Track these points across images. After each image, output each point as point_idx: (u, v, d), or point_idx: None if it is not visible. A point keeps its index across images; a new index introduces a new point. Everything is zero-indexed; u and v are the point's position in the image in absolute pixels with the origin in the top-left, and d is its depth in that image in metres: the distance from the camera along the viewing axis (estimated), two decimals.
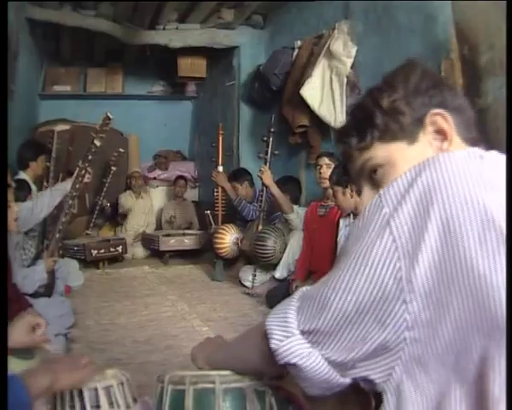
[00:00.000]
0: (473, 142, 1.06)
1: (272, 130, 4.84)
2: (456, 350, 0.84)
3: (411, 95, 1.05)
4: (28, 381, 1.19)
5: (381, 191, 0.95)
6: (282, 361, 1.02)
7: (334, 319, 0.94)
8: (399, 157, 1.05)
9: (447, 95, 1.06)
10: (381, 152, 1.06)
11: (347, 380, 0.99)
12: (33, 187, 4.44)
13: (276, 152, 4.91)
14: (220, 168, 5.49)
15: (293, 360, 1.00)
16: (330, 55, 4.52)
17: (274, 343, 1.03)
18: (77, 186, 3.82)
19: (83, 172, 3.79)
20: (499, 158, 0.96)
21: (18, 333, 1.64)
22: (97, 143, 3.78)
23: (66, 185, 3.91)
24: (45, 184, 4.80)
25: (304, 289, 1.07)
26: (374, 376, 0.94)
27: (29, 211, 3.78)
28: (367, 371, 0.94)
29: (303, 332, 1.00)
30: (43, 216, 3.92)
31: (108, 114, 3.83)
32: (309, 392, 1.06)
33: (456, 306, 0.83)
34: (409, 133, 1.04)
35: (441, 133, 1.04)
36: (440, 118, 1.03)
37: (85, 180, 3.90)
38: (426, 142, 1.04)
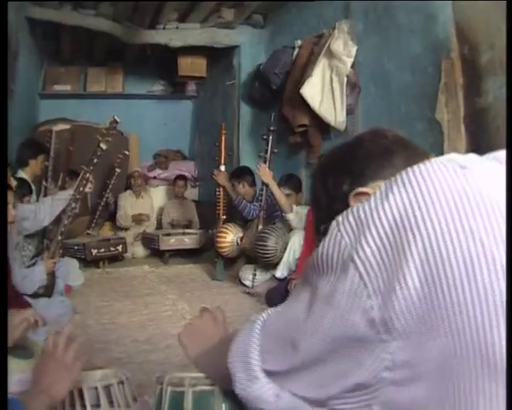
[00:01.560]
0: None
1: (272, 128, 4.85)
2: (438, 397, 0.75)
3: (357, 181, 1.01)
4: (28, 403, 1.19)
5: (339, 218, 0.85)
6: (251, 407, 0.97)
7: (302, 361, 0.87)
8: None
9: (388, 163, 1.01)
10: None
11: None
12: (33, 187, 4.44)
13: (276, 150, 4.92)
14: (222, 168, 5.49)
15: (261, 406, 0.95)
16: (330, 55, 4.51)
17: (239, 389, 0.97)
18: (81, 189, 3.83)
19: (87, 175, 3.79)
20: (480, 164, 0.86)
21: (15, 328, 1.64)
22: (103, 146, 3.79)
23: (66, 194, 3.92)
24: (44, 183, 4.80)
25: (263, 318, 1.01)
26: None
27: (31, 213, 3.79)
28: (343, 405, 0.86)
29: (268, 372, 0.94)
30: (45, 224, 3.93)
31: (116, 118, 3.84)
32: None
33: (440, 352, 0.73)
34: None
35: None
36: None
37: (86, 190, 3.91)
38: None
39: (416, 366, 0.76)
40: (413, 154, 1.02)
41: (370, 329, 0.77)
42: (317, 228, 1.08)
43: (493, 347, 0.70)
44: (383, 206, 0.79)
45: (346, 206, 0.95)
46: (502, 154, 0.89)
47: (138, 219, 6.98)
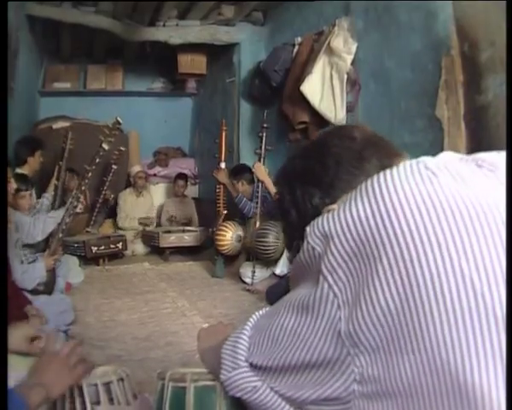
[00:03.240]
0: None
1: (265, 126, 4.95)
2: None
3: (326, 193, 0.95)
4: (24, 393, 1.20)
5: (307, 229, 0.84)
6: (230, 393, 0.99)
7: (282, 362, 0.88)
8: None
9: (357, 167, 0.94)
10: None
11: None
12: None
13: (269, 148, 4.99)
14: (223, 165, 5.50)
15: (238, 394, 0.97)
16: (331, 52, 4.51)
17: (222, 374, 0.99)
18: (82, 188, 3.84)
19: (89, 174, 3.80)
20: (453, 168, 0.81)
21: (16, 341, 1.64)
22: (106, 146, 3.80)
23: (59, 213, 3.96)
24: (55, 182, 4.80)
25: (259, 314, 1.04)
26: None
27: (26, 225, 3.82)
28: None
29: (252, 365, 0.95)
30: (38, 240, 3.96)
31: (118, 119, 3.84)
32: None
33: (408, 369, 0.71)
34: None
35: None
36: None
37: (77, 211, 3.97)
38: None
39: (385, 381, 0.74)
40: (385, 154, 0.96)
41: (337, 341, 0.78)
42: (290, 245, 1.03)
43: (463, 367, 0.67)
44: (350, 214, 0.77)
45: None
46: (483, 156, 0.86)
47: (144, 223, 6.99)
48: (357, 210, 0.77)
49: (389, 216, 0.74)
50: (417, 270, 0.70)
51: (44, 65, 7.53)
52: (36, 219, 3.93)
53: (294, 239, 0.98)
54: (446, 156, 0.87)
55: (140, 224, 6.92)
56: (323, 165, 0.96)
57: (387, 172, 0.80)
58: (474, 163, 0.85)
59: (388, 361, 0.73)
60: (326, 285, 0.78)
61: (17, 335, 1.66)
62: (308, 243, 0.83)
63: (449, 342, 0.68)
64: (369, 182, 0.80)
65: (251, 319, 1.03)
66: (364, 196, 0.78)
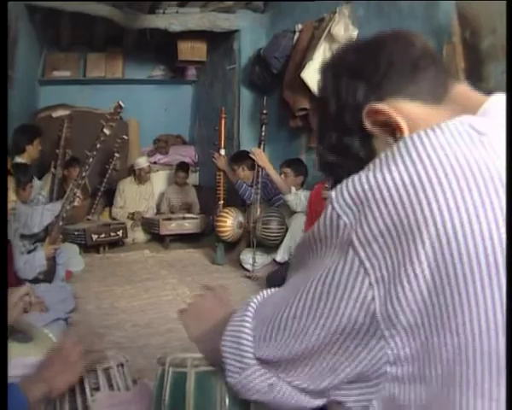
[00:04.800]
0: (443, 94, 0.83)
1: (265, 112, 4.96)
2: (441, 401, 0.68)
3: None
4: (26, 388, 1.21)
5: (332, 194, 0.73)
6: (243, 397, 0.92)
7: (296, 352, 0.80)
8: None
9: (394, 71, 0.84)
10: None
11: (320, 402, 0.87)
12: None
13: (263, 133, 5.01)
14: (222, 152, 5.49)
15: (254, 397, 0.89)
16: (331, 39, 4.49)
17: (230, 377, 0.91)
18: (83, 175, 3.83)
19: (90, 160, 3.78)
20: (499, 129, 0.71)
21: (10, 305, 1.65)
22: (107, 131, 3.77)
23: (57, 206, 3.94)
24: (53, 170, 4.79)
25: (257, 301, 0.96)
26: (349, 404, 0.80)
27: (24, 217, 3.81)
28: (341, 397, 0.81)
29: (261, 360, 0.87)
30: (35, 232, 3.95)
31: (120, 103, 3.81)
32: None
33: (450, 349, 0.66)
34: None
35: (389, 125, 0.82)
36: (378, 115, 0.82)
37: (75, 204, 3.95)
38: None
39: (424, 363, 0.68)
40: (441, 71, 0.86)
41: (370, 322, 0.70)
42: (321, 138, 0.93)
43: (501, 351, 0.63)
44: (385, 179, 0.67)
45: (357, 120, 0.84)
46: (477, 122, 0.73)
47: (132, 218, 6.86)
48: (400, 173, 0.67)
49: (437, 177, 0.65)
50: (469, 241, 0.63)
51: (44, 53, 7.49)
52: (34, 211, 3.92)
53: (327, 132, 0.90)
54: (487, 116, 0.75)
55: (128, 218, 6.84)
56: (375, 62, 0.86)
57: (429, 130, 0.70)
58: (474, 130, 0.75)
59: (428, 340, 0.67)
60: (357, 261, 0.69)
61: (12, 299, 1.67)
62: (333, 209, 0.72)
63: (492, 323, 0.63)
64: (407, 139, 0.70)
65: (250, 308, 0.93)
66: (405, 154, 0.68)
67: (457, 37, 3.33)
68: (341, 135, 0.87)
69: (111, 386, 1.40)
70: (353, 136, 0.85)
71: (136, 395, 1.39)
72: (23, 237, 3.87)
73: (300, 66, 4.71)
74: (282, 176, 4.83)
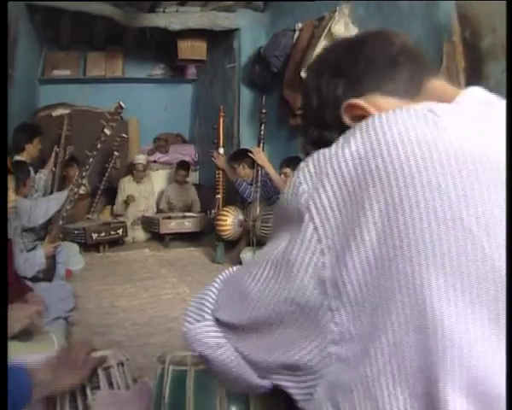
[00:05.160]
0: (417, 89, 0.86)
1: (264, 111, 4.98)
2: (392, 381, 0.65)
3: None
4: (31, 370, 1.21)
5: (301, 164, 0.77)
6: (190, 348, 0.92)
7: (249, 321, 0.81)
8: None
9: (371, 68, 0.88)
10: None
11: (267, 383, 0.84)
12: (32, 172, 4.43)
13: (262, 132, 5.02)
14: (221, 150, 5.49)
15: (198, 349, 0.90)
16: (331, 38, 4.49)
17: (184, 326, 0.92)
18: (83, 174, 3.82)
19: (90, 160, 3.78)
20: (462, 113, 0.74)
21: (18, 321, 1.65)
22: (107, 131, 3.76)
23: (63, 195, 3.93)
24: (53, 168, 4.79)
25: (234, 268, 0.97)
26: (292, 391, 0.78)
27: (27, 210, 3.80)
28: (286, 382, 0.79)
29: (218, 320, 0.88)
30: (40, 223, 3.93)
31: (121, 103, 3.80)
32: (228, 388, 0.94)
33: (396, 325, 0.64)
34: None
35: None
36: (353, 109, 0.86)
37: (81, 192, 3.93)
38: None
39: (367, 342, 0.67)
40: (419, 67, 0.89)
41: (320, 291, 0.69)
42: (304, 132, 0.97)
43: (449, 326, 0.62)
44: (343, 151, 0.70)
45: (337, 115, 0.87)
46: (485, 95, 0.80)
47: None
48: (356, 144, 0.70)
49: (388, 150, 0.67)
50: (415, 216, 0.64)
51: (44, 52, 7.48)
52: (38, 202, 3.91)
53: (309, 127, 0.95)
54: (451, 104, 0.78)
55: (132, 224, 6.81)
56: (355, 59, 0.89)
57: (391, 111, 0.73)
58: (487, 104, 0.81)
59: (373, 317, 0.66)
60: (311, 227, 0.70)
61: (18, 315, 1.67)
62: (298, 177, 0.75)
63: (443, 296, 0.62)
64: (369, 118, 0.73)
65: (223, 273, 0.95)
66: (364, 130, 0.71)
67: (457, 36, 3.33)
68: (322, 130, 0.91)
69: (111, 385, 1.40)
70: (333, 131, 0.87)
71: (136, 393, 1.39)
72: (25, 233, 3.86)
73: (300, 64, 4.71)
74: (282, 176, 4.83)
